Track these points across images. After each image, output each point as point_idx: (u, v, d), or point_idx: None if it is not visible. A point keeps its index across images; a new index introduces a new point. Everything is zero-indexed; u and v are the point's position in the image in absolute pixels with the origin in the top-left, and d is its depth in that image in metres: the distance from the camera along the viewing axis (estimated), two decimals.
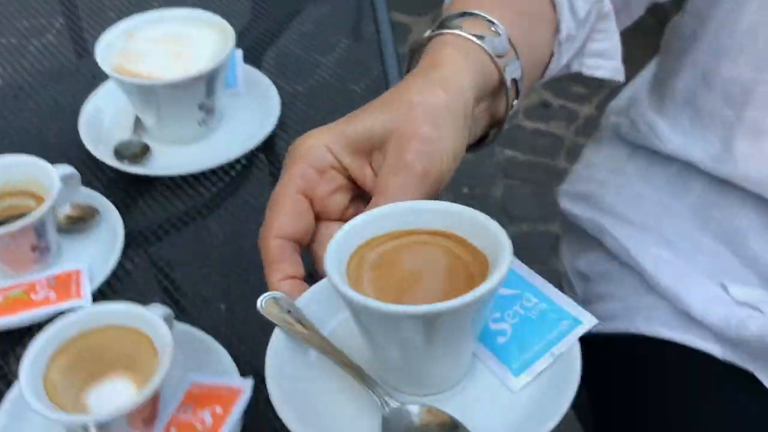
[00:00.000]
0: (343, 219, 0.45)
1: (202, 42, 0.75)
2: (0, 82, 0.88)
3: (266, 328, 0.42)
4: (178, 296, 0.66)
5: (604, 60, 0.60)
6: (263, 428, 0.52)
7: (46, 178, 0.63)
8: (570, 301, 0.39)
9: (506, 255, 0.36)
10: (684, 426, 0.59)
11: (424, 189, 0.43)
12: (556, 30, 0.55)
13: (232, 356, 0.55)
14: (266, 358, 0.40)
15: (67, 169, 0.66)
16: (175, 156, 0.76)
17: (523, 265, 0.42)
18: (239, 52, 0.82)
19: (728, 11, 0.60)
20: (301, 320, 0.41)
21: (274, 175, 0.76)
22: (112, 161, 0.74)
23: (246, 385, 0.51)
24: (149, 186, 0.75)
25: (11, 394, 0.51)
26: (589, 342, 0.41)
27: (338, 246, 0.38)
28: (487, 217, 0.39)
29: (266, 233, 0.44)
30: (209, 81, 0.72)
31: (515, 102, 0.51)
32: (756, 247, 0.62)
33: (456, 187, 1.97)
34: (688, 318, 0.63)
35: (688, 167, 0.66)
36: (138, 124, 0.76)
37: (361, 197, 0.47)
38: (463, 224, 0.40)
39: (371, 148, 0.45)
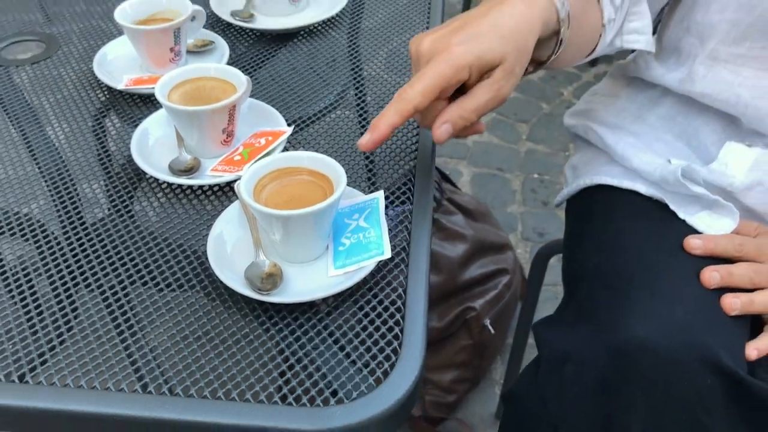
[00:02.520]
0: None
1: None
2: None
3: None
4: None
5: (639, 35, 0.80)
6: None
7: (182, 7, 0.85)
8: (387, 240, 0.62)
9: (337, 193, 0.58)
10: (617, 237, 0.79)
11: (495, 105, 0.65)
12: (601, 16, 0.75)
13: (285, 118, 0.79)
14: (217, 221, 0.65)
15: (197, 7, 0.87)
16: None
17: (383, 212, 0.65)
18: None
19: None
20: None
21: None
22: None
23: (288, 129, 0.75)
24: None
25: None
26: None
27: (248, 176, 0.62)
28: (340, 166, 0.62)
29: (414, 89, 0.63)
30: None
31: (557, 52, 0.70)
32: (707, 140, 0.82)
33: (528, 172, 2.02)
34: (628, 171, 0.85)
35: (665, 91, 0.87)
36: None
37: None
38: (327, 168, 0.63)
39: (486, 71, 0.64)
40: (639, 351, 0.63)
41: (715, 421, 0.63)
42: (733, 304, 0.67)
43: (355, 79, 0.88)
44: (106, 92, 0.84)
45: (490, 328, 1.41)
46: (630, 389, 0.64)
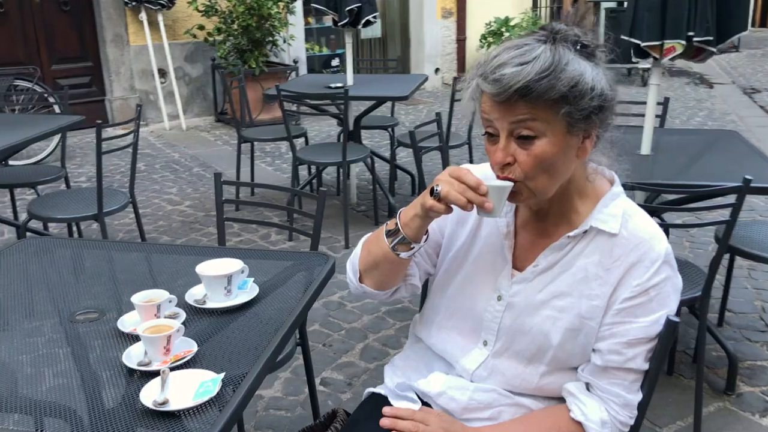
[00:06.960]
0: None
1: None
2: None
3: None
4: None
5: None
6: None
7: (161, 295, 1.69)
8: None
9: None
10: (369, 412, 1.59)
11: None
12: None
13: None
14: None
15: (172, 296, 1.72)
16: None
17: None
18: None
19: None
20: None
21: None
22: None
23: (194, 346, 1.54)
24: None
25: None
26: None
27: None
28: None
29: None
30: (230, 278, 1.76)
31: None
32: (437, 367, 1.59)
33: None
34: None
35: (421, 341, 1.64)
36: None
37: None
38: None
39: None
40: None
41: None
42: None
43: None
44: (123, 335, 1.65)
45: None
46: None
